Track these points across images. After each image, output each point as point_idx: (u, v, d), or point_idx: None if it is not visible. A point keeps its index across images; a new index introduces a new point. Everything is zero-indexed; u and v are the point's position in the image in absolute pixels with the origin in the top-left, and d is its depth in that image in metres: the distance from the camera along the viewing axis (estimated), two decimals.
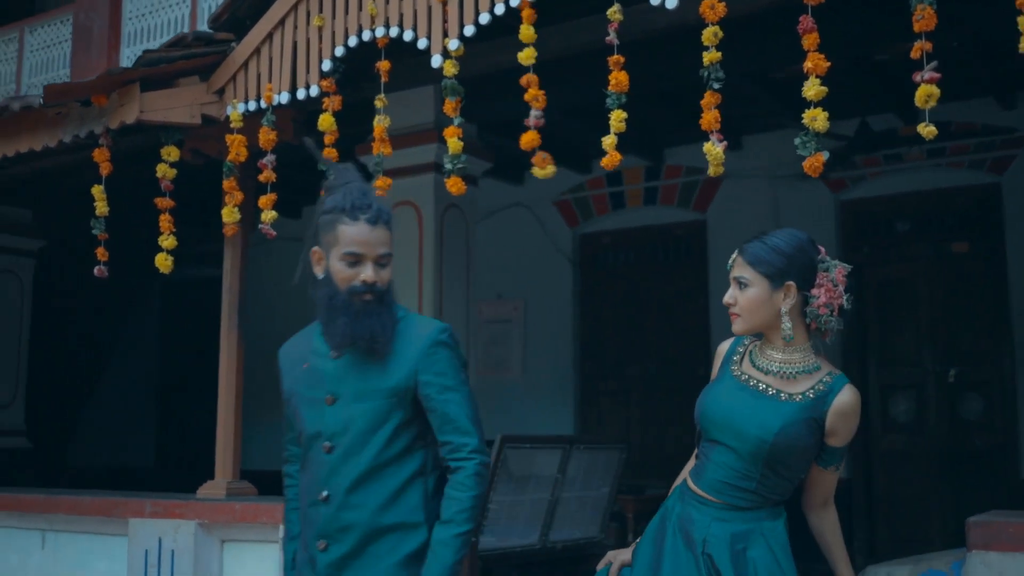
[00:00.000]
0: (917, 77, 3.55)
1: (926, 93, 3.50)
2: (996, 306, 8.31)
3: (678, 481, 2.91)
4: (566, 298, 10.14)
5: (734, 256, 2.84)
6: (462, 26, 4.92)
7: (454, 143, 4.99)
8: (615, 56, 4.43)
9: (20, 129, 6.47)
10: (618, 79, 4.38)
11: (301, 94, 5.62)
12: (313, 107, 5.74)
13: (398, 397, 2.68)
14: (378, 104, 5.27)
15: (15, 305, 9.85)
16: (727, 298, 2.83)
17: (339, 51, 5.44)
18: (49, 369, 10.75)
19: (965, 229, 8.56)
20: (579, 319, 10.14)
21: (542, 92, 4.73)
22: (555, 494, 6.44)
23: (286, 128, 5.91)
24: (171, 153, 6.18)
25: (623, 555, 2.94)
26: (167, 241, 6.12)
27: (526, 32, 4.72)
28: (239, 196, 5.99)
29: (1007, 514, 4.03)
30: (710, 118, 4.01)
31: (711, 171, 3.97)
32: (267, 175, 5.67)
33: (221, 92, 5.92)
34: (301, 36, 5.63)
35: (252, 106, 5.79)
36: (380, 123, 5.25)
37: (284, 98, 5.68)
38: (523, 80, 4.75)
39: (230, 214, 5.97)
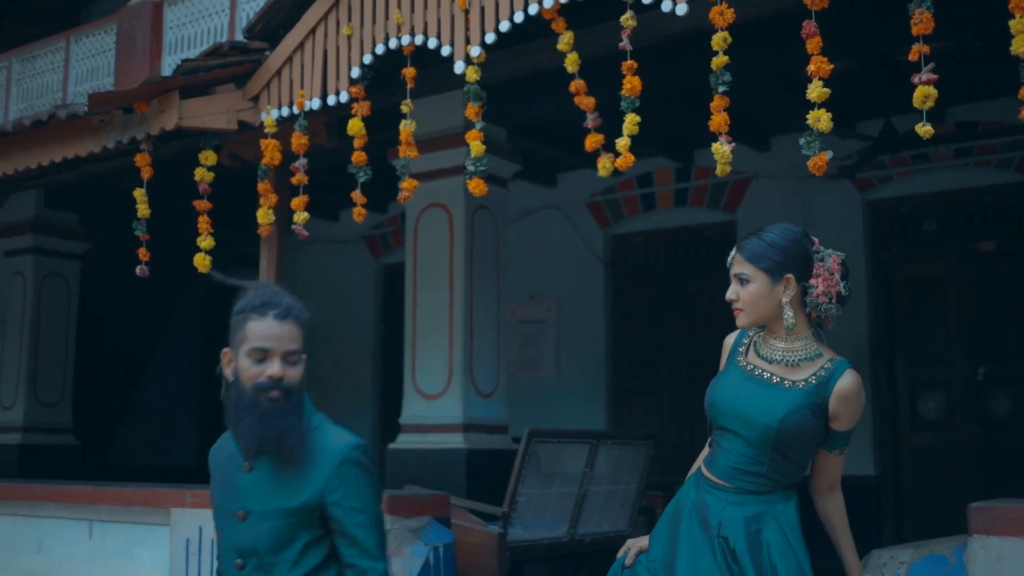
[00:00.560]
0: (915, 79, 3.64)
1: (924, 94, 3.59)
2: None
3: (692, 469, 3.01)
4: (598, 298, 10.21)
5: (733, 253, 2.96)
6: (483, 33, 5.07)
7: (476, 146, 5.15)
8: (628, 61, 4.55)
9: (66, 136, 6.65)
10: (632, 83, 4.50)
11: (332, 100, 5.79)
12: (344, 112, 5.91)
13: (305, 516, 2.54)
14: (404, 109, 5.41)
15: (62, 307, 10.02)
16: (729, 295, 2.94)
17: (367, 59, 5.60)
18: (94, 369, 10.89)
19: (992, 228, 8.56)
20: (611, 319, 10.21)
21: (592, 99, 4.81)
22: (583, 488, 6.51)
23: (318, 132, 6.10)
24: (209, 157, 6.35)
25: (640, 542, 3.03)
26: (205, 241, 6.28)
27: (565, 39, 4.82)
28: (273, 198, 6.17)
29: (1008, 500, 4.10)
30: (719, 120, 4.13)
31: (718, 170, 4.09)
32: (299, 178, 5.85)
33: (256, 99, 6.10)
34: (331, 45, 5.79)
35: (285, 112, 5.97)
36: (406, 127, 5.39)
37: (316, 104, 5.84)
38: (572, 86, 4.84)
39: (265, 215, 6.14)
